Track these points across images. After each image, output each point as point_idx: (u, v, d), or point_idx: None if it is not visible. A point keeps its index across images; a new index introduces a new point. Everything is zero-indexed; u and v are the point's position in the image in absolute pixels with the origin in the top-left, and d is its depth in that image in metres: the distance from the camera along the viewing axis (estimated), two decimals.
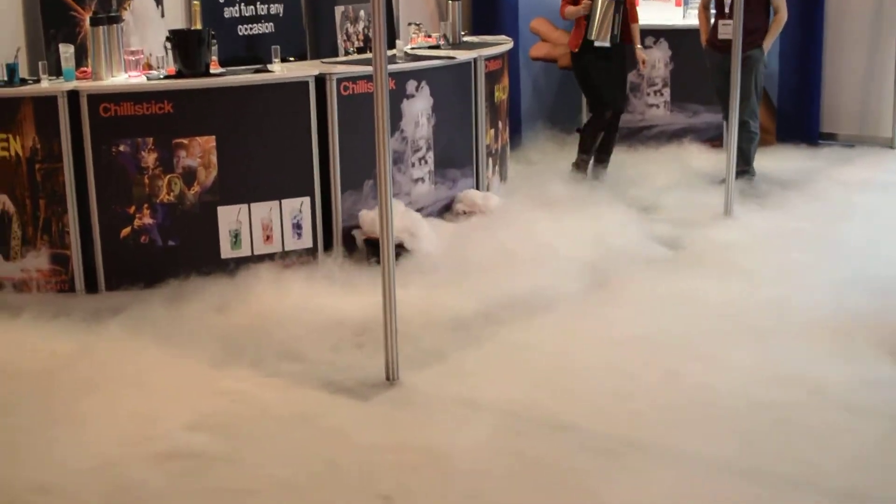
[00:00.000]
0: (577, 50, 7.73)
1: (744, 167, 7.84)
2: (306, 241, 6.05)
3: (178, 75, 5.81)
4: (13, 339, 4.99)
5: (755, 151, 8.01)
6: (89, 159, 5.61)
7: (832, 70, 9.20)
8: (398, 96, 6.35)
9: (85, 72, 5.85)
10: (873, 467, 3.76)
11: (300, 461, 3.84)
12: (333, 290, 5.56)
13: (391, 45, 6.87)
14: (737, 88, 7.03)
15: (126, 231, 5.71)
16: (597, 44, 7.59)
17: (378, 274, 4.51)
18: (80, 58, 5.93)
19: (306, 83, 5.97)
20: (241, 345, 4.86)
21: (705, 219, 6.95)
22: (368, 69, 5.54)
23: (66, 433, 4.03)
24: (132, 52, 5.91)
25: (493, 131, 7.26)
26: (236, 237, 5.86)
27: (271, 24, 7.06)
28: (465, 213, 6.76)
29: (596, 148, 7.97)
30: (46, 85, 5.65)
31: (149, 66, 5.99)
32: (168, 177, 5.71)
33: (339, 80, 6.02)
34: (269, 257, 5.93)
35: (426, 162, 6.63)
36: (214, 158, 5.77)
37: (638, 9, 7.94)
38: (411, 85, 6.46)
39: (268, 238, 5.94)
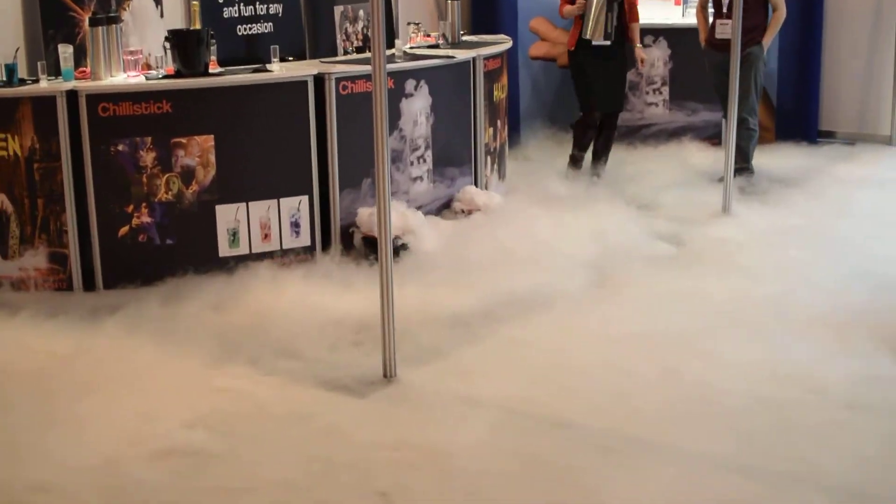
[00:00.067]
0: (573, 48, 7.76)
1: (743, 164, 7.84)
2: (304, 240, 6.05)
3: (177, 75, 5.81)
4: (11, 338, 4.99)
5: (754, 149, 8.01)
6: (88, 159, 5.61)
7: (831, 68, 9.20)
8: (397, 95, 6.35)
9: (84, 72, 5.85)
10: (873, 464, 3.75)
11: (298, 459, 3.84)
12: (331, 288, 5.56)
13: (390, 45, 6.86)
14: (735, 86, 7.03)
15: (124, 230, 5.71)
16: (594, 42, 7.60)
17: (376, 272, 4.51)
18: (79, 58, 5.93)
19: (305, 83, 5.97)
20: (239, 343, 4.86)
21: (704, 216, 6.95)
22: (367, 68, 5.54)
23: (63, 432, 4.02)
24: (131, 52, 5.91)
25: (491, 130, 7.26)
26: (234, 236, 5.86)
27: (270, 23, 7.06)
28: (464, 211, 6.76)
29: (592, 145, 7.98)
30: (45, 85, 5.65)
31: (148, 66, 5.99)
32: (166, 176, 5.71)
33: (338, 80, 6.02)
34: (268, 256, 5.93)
35: (425, 161, 6.63)
36: (213, 158, 5.77)
37: (638, 8, 7.93)
38: (410, 84, 6.46)
39: (266, 237, 5.94)
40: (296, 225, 6.01)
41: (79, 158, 5.61)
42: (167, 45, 5.86)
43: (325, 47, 7.11)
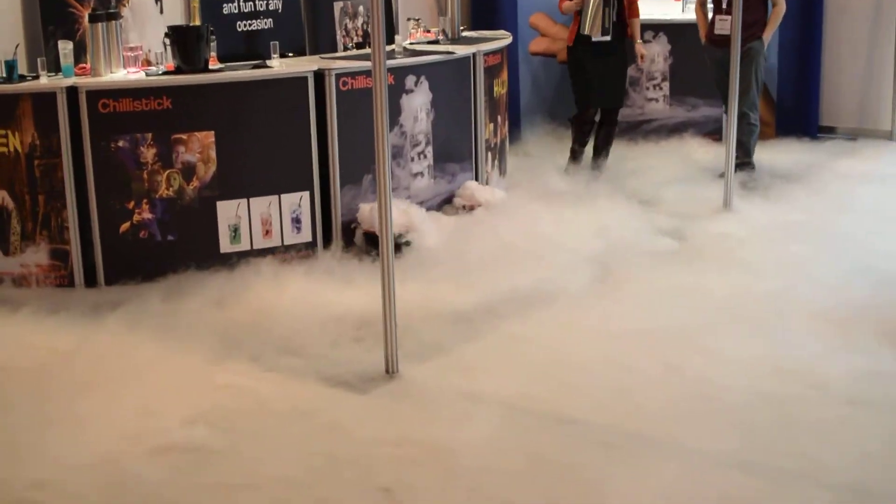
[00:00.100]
0: (571, 44, 7.76)
1: (744, 159, 7.84)
2: (305, 236, 6.04)
3: (177, 71, 5.80)
4: (12, 335, 5.00)
5: (755, 144, 8.01)
6: (88, 155, 5.60)
7: (831, 63, 9.20)
8: (397, 91, 6.34)
9: (84, 68, 5.84)
10: (875, 461, 3.75)
11: (299, 455, 3.84)
12: (333, 284, 5.56)
13: (390, 41, 6.86)
14: (735, 81, 7.02)
15: (125, 226, 5.70)
16: (594, 38, 7.60)
17: (377, 269, 4.50)
18: (79, 54, 5.93)
19: (305, 79, 5.96)
20: (240, 339, 4.86)
21: (705, 212, 6.95)
22: (367, 64, 5.52)
23: (64, 429, 4.02)
24: (131, 49, 5.90)
25: (492, 126, 7.25)
26: (235, 232, 5.85)
27: (270, 19, 7.05)
28: (465, 207, 6.76)
29: (593, 141, 7.99)
30: (45, 81, 5.64)
31: (147, 63, 5.99)
32: (167, 172, 5.71)
33: (338, 76, 6.01)
34: (269, 252, 5.92)
35: (425, 156, 6.63)
36: (213, 153, 5.76)
37: (638, 3, 7.92)
38: (410, 80, 6.45)
39: (267, 233, 5.94)
40: (297, 221, 6.00)
41: (79, 155, 5.61)
42: (167, 41, 5.85)
43: (324, 43, 7.09)
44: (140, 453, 3.85)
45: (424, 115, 6.58)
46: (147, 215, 5.71)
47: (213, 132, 5.75)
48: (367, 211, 6.07)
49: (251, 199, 5.88)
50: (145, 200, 5.69)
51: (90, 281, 5.71)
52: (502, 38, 7.54)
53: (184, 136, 5.70)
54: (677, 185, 7.62)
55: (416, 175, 6.55)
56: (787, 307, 5.18)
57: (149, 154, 5.66)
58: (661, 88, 9.31)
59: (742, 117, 7.69)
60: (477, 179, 7.05)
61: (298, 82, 5.94)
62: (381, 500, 3.56)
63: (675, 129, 9.22)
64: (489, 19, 8.89)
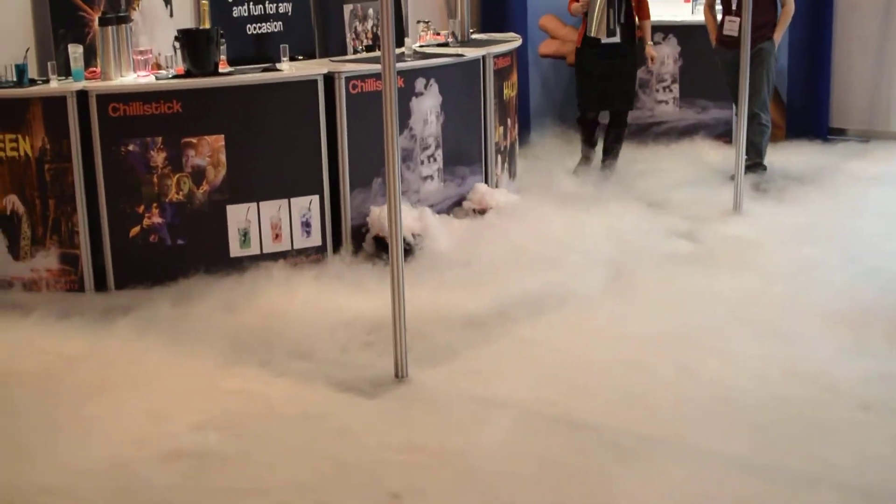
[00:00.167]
0: (579, 45, 7.76)
1: (756, 160, 7.82)
2: (315, 240, 6.04)
3: (187, 75, 5.80)
4: (22, 339, 5.00)
5: (767, 145, 7.98)
6: (98, 159, 5.61)
7: (841, 64, 9.16)
8: (407, 94, 6.33)
9: (94, 72, 5.85)
10: (887, 463, 3.73)
11: (308, 460, 3.83)
12: (343, 288, 5.55)
13: (400, 43, 6.84)
14: (746, 82, 7.00)
15: (135, 230, 5.70)
16: (603, 41, 7.59)
17: (388, 272, 4.49)
18: (89, 58, 5.94)
19: (315, 82, 5.96)
20: (250, 344, 4.85)
21: (716, 214, 6.93)
22: (377, 67, 5.52)
23: (73, 434, 4.02)
24: (141, 52, 5.91)
25: (502, 129, 7.24)
26: (245, 236, 5.85)
27: (280, 22, 7.06)
28: (475, 210, 6.74)
29: (602, 143, 7.98)
30: (55, 85, 5.65)
31: (157, 66, 5.99)
32: (177, 176, 5.71)
33: (348, 79, 6.01)
34: (279, 256, 5.92)
35: (435, 160, 6.61)
36: (223, 157, 5.76)
37: (649, 5, 7.90)
38: (420, 83, 6.44)
39: (277, 237, 5.93)
40: (307, 225, 6.00)
41: (89, 159, 5.61)
42: (177, 44, 5.86)
43: (334, 46, 7.10)
44: (149, 458, 3.84)
45: (434, 118, 6.57)
46: (157, 219, 5.71)
47: (222, 136, 5.74)
48: (377, 214, 6.06)
49: (261, 203, 5.87)
50: (155, 204, 5.69)
51: (100, 285, 5.71)
52: (512, 41, 7.52)
53: (194, 140, 5.70)
54: (688, 188, 7.60)
55: (425, 178, 6.54)
56: (799, 309, 5.16)
57: (159, 158, 5.66)
58: (670, 90, 9.29)
59: (753, 118, 7.67)
60: (487, 182, 7.04)
61: (308, 85, 5.94)
62: None
63: (685, 132, 9.20)
64: (499, 22, 8.88)
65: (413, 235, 6.01)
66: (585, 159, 7.98)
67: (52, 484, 3.67)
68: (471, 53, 6.86)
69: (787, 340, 4.80)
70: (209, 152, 5.73)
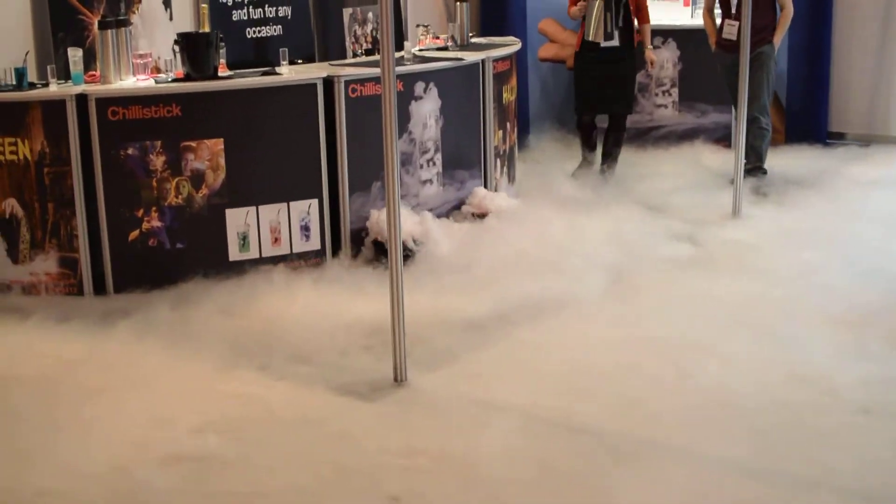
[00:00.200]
0: (577, 49, 7.77)
1: (756, 163, 7.82)
2: (314, 244, 6.03)
3: (187, 78, 5.80)
4: (21, 343, 4.99)
5: (767, 148, 7.98)
6: (97, 163, 5.60)
7: (841, 68, 9.16)
8: (406, 98, 6.33)
9: (93, 75, 5.84)
10: (888, 468, 3.73)
11: (308, 464, 3.82)
12: (342, 292, 5.55)
13: (399, 47, 6.84)
14: (745, 86, 7.00)
15: (134, 234, 5.70)
16: (602, 44, 7.60)
17: (387, 276, 4.49)
18: (89, 61, 5.93)
19: (314, 85, 5.96)
20: (249, 347, 4.85)
21: (716, 218, 6.93)
22: (376, 71, 5.52)
23: (72, 437, 4.01)
24: (140, 56, 5.90)
25: (501, 132, 7.24)
26: (244, 239, 5.85)
27: (279, 26, 7.06)
28: (475, 214, 6.74)
29: (602, 147, 7.99)
30: (55, 89, 5.64)
31: (157, 70, 5.99)
32: (176, 179, 5.70)
33: (348, 83, 6.01)
34: (278, 260, 5.91)
35: (434, 163, 6.61)
36: (222, 161, 5.76)
37: (648, 9, 7.91)
38: (419, 87, 6.44)
39: (276, 240, 5.93)
40: (306, 229, 5.99)
41: (89, 162, 5.61)
42: (176, 48, 5.85)
43: (334, 50, 7.10)
44: (148, 462, 3.83)
45: (433, 122, 6.57)
46: (156, 223, 5.70)
47: (222, 139, 5.74)
48: (377, 218, 6.05)
49: (260, 207, 5.87)
50: (154, 208, 5.69)
51: (99, 289, 5.70)
52: (511, 45, 7.53)
53: (193, 144, 5.70)
54: (687, 192, 7.60)
55: (425, 182, 6.54)
56: (800, 313, 5.16)
57: (158, 162, 5.65)
58: (670, 94, 9.30)
59: (753, 122, 7.67)
60: (486, 186, 7.04)
61: (308, 89, 5.94)
62: None
63: (684, 136, 9.20)
64: (498, 25, 8.89)
65: (413, 240, 6.01)
66: (585, 163, 7.98)
67: (52, 487, 3.67)
68: (470, 57, 6.86)
69: (787, 344, 4.79)
70: (208, 156, 5.73)
